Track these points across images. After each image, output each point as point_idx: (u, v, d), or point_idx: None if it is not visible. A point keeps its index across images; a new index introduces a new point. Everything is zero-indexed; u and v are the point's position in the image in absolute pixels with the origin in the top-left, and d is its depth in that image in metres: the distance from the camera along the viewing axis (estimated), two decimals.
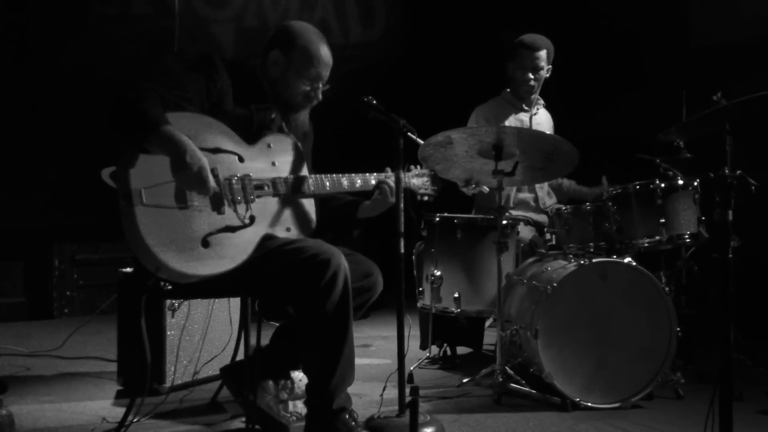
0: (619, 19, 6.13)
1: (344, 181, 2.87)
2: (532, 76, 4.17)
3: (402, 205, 2.75)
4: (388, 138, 2.80)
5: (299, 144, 2.84)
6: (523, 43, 4.17)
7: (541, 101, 4.37)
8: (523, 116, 4.30)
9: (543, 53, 4.15)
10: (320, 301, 2.51)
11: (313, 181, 2.79)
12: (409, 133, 2.87)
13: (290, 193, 2.74)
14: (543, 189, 4.32)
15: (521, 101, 4.30)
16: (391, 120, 2.76)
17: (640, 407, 3.23)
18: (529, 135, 3.40)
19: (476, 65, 6.73)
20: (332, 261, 2.52)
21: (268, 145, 2.75)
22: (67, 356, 4.14)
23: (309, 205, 2.81)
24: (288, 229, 2.72)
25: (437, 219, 3.72)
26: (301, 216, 2.77)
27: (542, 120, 4.35)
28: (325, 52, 2.82)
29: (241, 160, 2.62)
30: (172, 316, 3.34)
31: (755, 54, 5.13)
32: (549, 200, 4.32)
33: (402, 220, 2.73)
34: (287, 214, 2.73)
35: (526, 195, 4.29)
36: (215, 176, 2.48)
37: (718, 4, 5.55)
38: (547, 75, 4.24)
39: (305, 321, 2.57)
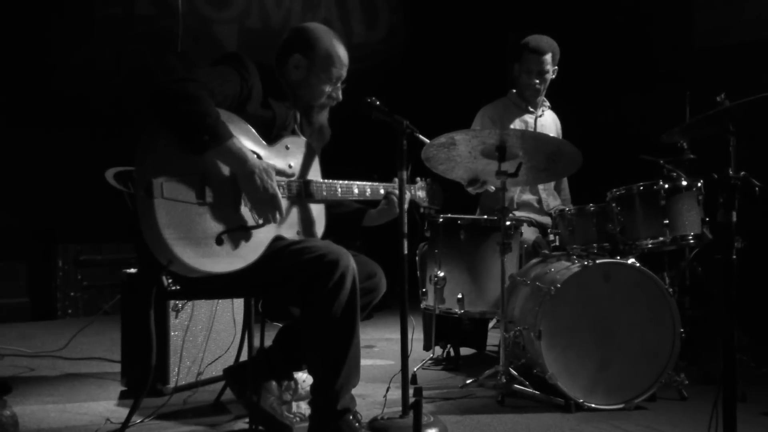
0: (623, 19, 6.13)
1: (355, 188, 2.88)
2: (537, 81, 4.17)
3: (405, 206, 2.75)
4: (391, 139, 2.80)
5: (314, 147, 2.86)
6: (528, 46, 4.15)
7: (547, 103, 4.37)
8: (528, 118, 4.30)
9: (548, 57, 4.13)
10: (328, 302, 2.51)
11: (326, 186, 2.80)
12: (417, 134, 2.89)
13: (303, 196, 2.75)
14: (546, 190, 4.32)
15: (527, 103, 4.29)
16: (394, 121, 2.76)
17: (644, 408, 3.22)
18: (532, 137, 3.40)
19: (480, 65, 6.73)
20: (341, 262, 2.52)
21: (286, 147, 2.76)
22: (71, 357, 4.15)
23: (319, 209, 2.83)
24: (298, 232, 2.73)
25: (441, 220, 3.72)
26: (310, 219, 2.78)
27: (548, 122, 4.34)
28: (343, 52, 2.85)
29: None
30: (176, 317, 3.34)
31: (759, 55, 5.13)
32: (553, 202, 4.32)
33: (405, 221, 2.73)
34: (298, 216, 2.74)
35: (529, 196, 4.29)
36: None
37: (721, 5, 5.55)
38: (553, 76, 4.22)
39: (312, 322, 2.57)
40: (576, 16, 6.37)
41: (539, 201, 4.29)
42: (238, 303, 3.58)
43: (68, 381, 3.65)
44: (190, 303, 3.38)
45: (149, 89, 2.40)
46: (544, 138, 3.47)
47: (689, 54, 5.65)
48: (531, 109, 4.30)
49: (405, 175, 2.75)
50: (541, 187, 4.27)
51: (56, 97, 5.53)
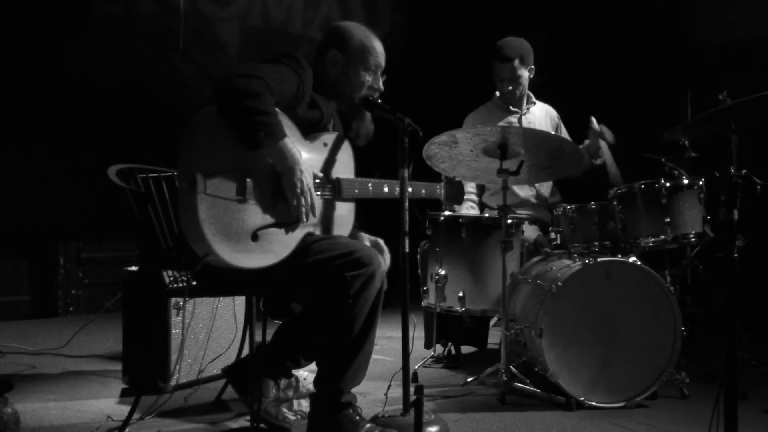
0: (624, 18, 6.13)
1: (385, 187, 2.91)
2: (509, 88, 4.15)
3: (406, 204, 2.75)
4: (393, 137, 2.80)
5: (351, 146, 2.88)
6: (494, 54, 4.13)
7: (533, 99, 4.33)
8: (513, 119, 4.27)
9: (515, 63, 4.09)
10: (355, 299, 2.54)
11: (358, 184, 2.82)
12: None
13: (336, 194, 2.77)
14: (543, 185, 4.29)
15: (508, 104, 4.28)
16: (396, 118, 2.76)
17: (645, 407, 3.22)
18: (533, 135, 3.39)
19: (482, 64, 6.71)
20: (374, 261, 2.58)
21: (324, 144, 2.78)
22: (72, 354, 4.15)
23: (349, 207, 2.84)
24: (327, 229, 2.75)
25: (442, 218, 3.72)
26: (341, 217, 2.80)
27: (536, 118, 4.29)
28: (378, 42, 2.92)
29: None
30: (177, 315, 3.34)
31: (760, 53, 5.12)
32: (552, 198, 4.30)
33: (406, 219, 2.73)
34: (329, 214, 2.76)
35: (526, 193, 4.27)
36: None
37: (722, 3, 5.54)
38: (531, 76, 4.19)
39: (334, 316, 2.59)
40: (577, 14, 6.36)
41: (537, 196, 4.27)
42: (240, 300, 3.59)
43: (69, 379, 3.66)
44: (191, 301, 3.38)
45: (215, 79, 2.46)
46: (546, 136, 3.46)
47: (691, 52, 5.65)
48: (515, 110, 4.28)
49: (407, 173, 2.75)
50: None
51: (57, 95, 5.52)
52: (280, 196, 2.56)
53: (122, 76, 5.80)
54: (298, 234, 2.61)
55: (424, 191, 3.10)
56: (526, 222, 3.94)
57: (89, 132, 5.54)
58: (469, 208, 4.21)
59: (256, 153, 2.48)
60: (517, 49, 4.12)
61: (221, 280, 2.62)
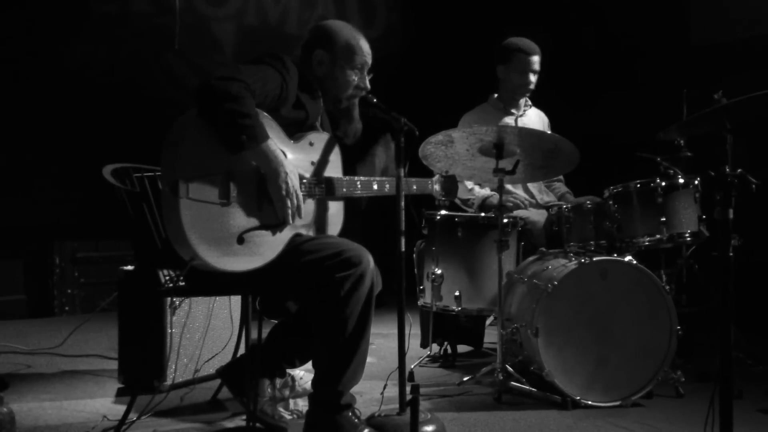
0: (620, 17, 6.13)
1: (374, 184, 2.89)
2: (532, 80, 4.19)
3: (403, 203, 2.75)
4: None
5: (338, 145, 2.87)
6: (520, 48, 4.18)
7: (529, 102, 4.36)
8: (509, 119, 4.28)
9: (537, 57, 4.18)
10: (345, 299, 2.53)
11: (346, 183, 2.82)
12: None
13: (324, 194, 2.76)
14: (536, 186, 4.30)
15: (507, 104, 4.29)
16: (392, 118, 2.77)
17: (641, 406, 3.23)
18: (529, 134, 3.40)
19: (478, 64, 6.72)
20: (363, 260, 2.56)
21: (310, 143, 2.77)
22: (68, 354, 4.15)
23: (338, 207, 2.84)
24: (318, 230, 2.75)
25: (438, 217, 3.72)
26: (330, 217, 2.80)
27: (530, 120, 4.32)
28: (364, 41, 2.90)
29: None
30: (173, 314, 3.34)
31: (756, 52, 5.13)
32: (546, 197, 4.31)
33: (403, 218, 2.73)
34: (318, 214, 2.76)
35: (520, 193, 4.27)
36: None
37: (718, 2, 5.55)
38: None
39: (326, 317, 2.58)
40: (573, 13, 6.37)
41: (532, 196, 4.27)
42: (236, 300, 3.58)
43: (65, 378, 3.65)
44: (187, 300, 3.38)
45: (198, 83, 2.44)
46: (541, 135, 3.47)
47: (686, 51, 5.65)
48: (512, 111, 4.30)
49: (403, 172, 2.76)
50: (529, 184, 4.26)
51: (52, 94, 5.51)
52: (265, 198, 2.55)
53: (117, 75, 5.79)
54: (286, 235, 2.61)
55: (415, 187, 3.10)
56: (529, 207, 3.96)
57: (84, 131, 5.53)
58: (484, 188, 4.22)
59: (238, 156, 2.47)
60: (537, 46, 4.22)
61: (212, 281, 2.60)
